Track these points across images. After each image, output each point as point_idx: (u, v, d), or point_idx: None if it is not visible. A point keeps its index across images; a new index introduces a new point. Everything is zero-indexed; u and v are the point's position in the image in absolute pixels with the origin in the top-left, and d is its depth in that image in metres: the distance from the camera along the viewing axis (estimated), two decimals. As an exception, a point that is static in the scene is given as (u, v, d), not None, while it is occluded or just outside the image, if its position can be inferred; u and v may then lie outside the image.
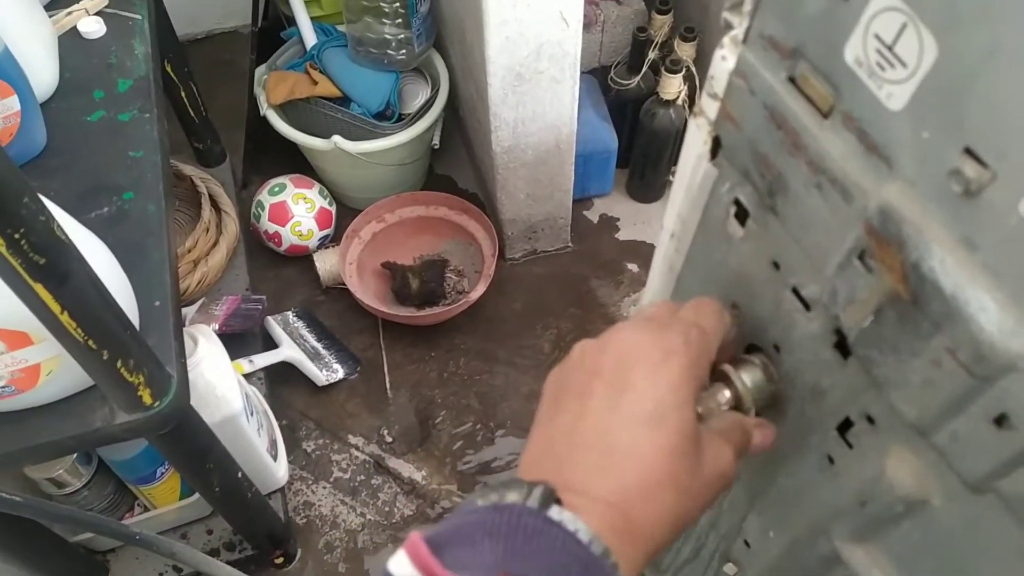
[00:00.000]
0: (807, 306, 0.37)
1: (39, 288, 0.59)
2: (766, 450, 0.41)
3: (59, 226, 0.59)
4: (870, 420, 0.35)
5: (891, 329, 0.31)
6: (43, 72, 0.96)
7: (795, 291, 0.37)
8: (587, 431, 0.34)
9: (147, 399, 0.72)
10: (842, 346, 0.35)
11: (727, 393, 0.40)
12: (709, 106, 0.40)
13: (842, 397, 0.37)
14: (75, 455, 1.00)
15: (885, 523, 0.37)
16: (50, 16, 1.04)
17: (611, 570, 0.29)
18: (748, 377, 0.41)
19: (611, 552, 0.30)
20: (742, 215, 0.40)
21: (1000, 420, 0.27)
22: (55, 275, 0.59)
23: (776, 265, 0.38)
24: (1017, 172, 0.24)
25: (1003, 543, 0.30)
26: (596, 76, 1.59)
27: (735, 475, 0.37)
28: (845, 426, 0.37)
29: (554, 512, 0.29)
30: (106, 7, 1.09)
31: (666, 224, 0.49)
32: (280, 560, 1.19)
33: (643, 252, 1.56)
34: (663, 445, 0.33)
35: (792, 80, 0.33)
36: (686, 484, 0.33)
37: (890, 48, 0.27)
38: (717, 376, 0.41)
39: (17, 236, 0.54)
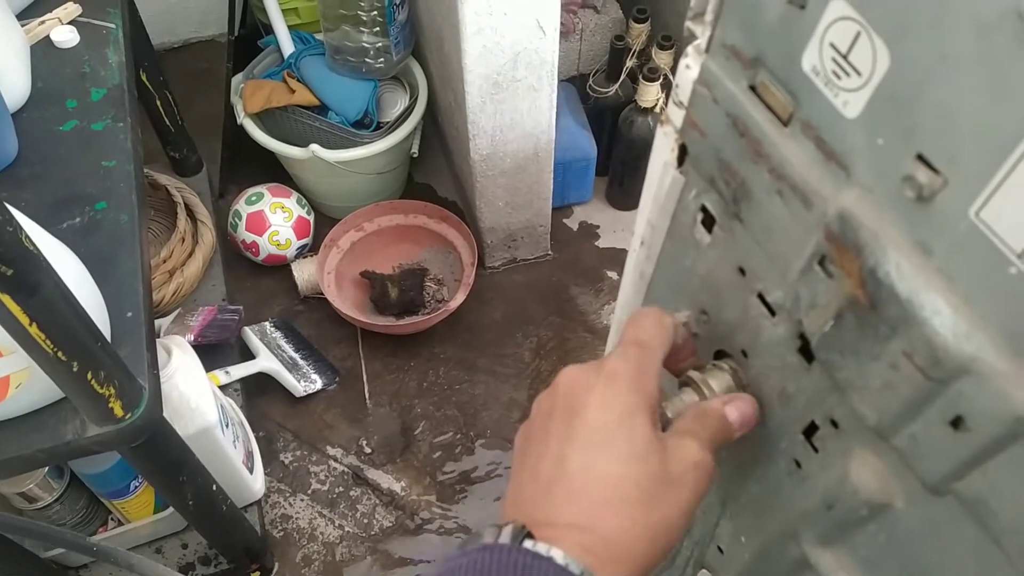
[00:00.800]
0: (772, 311, 0.37)
1: (7, 299, 0.58)
2: (751, 427, 0.40)
3: (28, 236, 0.59)
4: (834, 424, 0.36)
5: (851, 333, 0.31)
6: (15, 81, 0.95)
7: (760, 297, 0.38)
8: (548, 467, 0.34)
9: (118, 411, 0.71)
10: (806, 351, 0.35)
11: (694, 397, 0.41)
12: (675, 114, 0.40)
13: (807, 401, 0.37)
14: (46, 469, 0.99)
15: (851, 526, 0.37)
16: (22, 25, 1.03)
17: None
18: (714, 382, 0.41)
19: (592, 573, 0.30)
20: (709, 222, 0.40)
21: (956, 422, 0.28)
22: (24, 286, 0.59)
23: (742, 271, 0.39)
24: (967, 178, 0.25)
25: (963, 544, 0.31)
26: (575, 84, 1.60)
27: (709, 467, 0.36)
28: (811, 430, 0.38)
29: (529, 544, 0.30)
30: (79, 16, 1.08)
31: (637, 231, 0.49)
32: (257, 574, 1.18)
33: (623, 259, 1.56)
34: (617, 457, 0.33)
35: (753, 89, 0.33)
36: (652, 490, 0.33)
37: (845, 57, 0.28)
38: (684, 383, 0.41)
39: (-17, 247, 0.53)
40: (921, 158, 0.26)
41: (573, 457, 0.34)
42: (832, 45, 0.28)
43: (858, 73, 0.28)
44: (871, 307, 0.29)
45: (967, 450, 0.28)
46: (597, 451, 0.34)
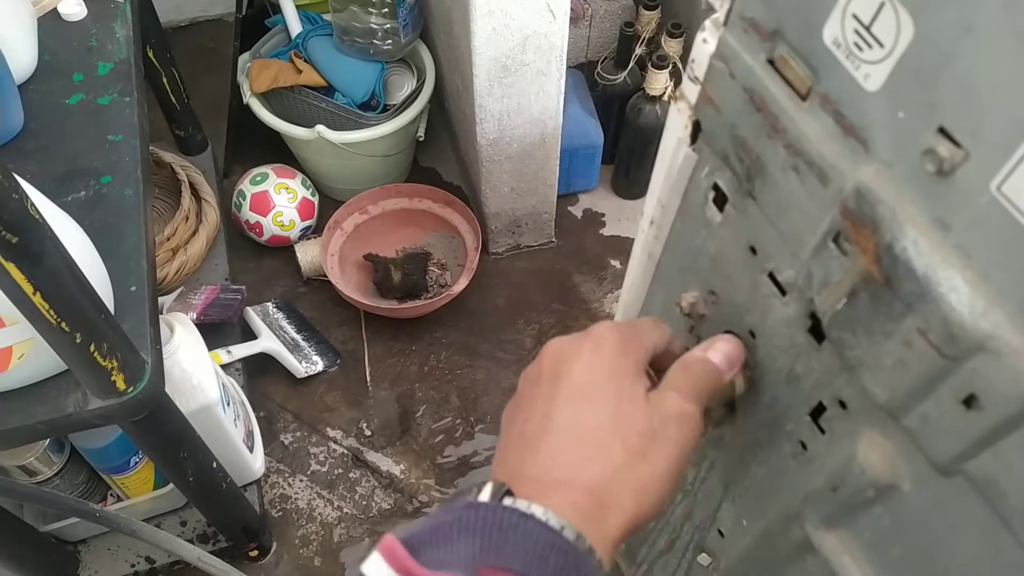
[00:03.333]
0: (783, 291, 0.37)
1: (11, 268, 0.58)
2: (740, 363, 0.40)
3: (33, 205, 0.59)
4: (842, 405, 0.35)
5: (864, 311, 0.31)
6: (22, 53, 0.95)
7: (771, 276, 0.37)
8: (534, 426, 0.35)
9: (120, 384, 0.71)
10: (816, 331, 0.35)
11: None
12: (690, 90, 0.40)
13: (815, 382, 0.37)
14: (47, 442, 0.99)
15: (856, 508, 0.37)
16: (29, -3, 1.02)
17: (587, 553, 0.30)
18: None
19: (584, 536, 0.30)
20: (720, 200, 0.40)
21: (969, 401, 0.27)
22: (28, 255, 0.58)
23: (753, 250, 0.38)
24: (990, 151, 0.24)
25: (971, 525, 0.31)
26: (583, 71, 1.59)
27: (694, 418, 0.35)
28: (818, 412, 0.38)
29: (519, 504, 0.30)
30: (87, -11, 1.07)
31: (646, 211, 0.49)
32: (255, 553, 1.18)
33: (627, 248, 1.56)
34: (601, 412, 0.34)
35: (771, 62, 0.33)
36: (637, 444, 0.33)
37: (867, 28, 0.27)
38: None
39: (-12, 214, 0.53)
40: (943, 131, 0.26)
41: (559, 414, 0.34)
42: (855, 16, 0.28)
43: (880, 45, 0.27)
44: (886, 284, 0.29)
45: (979, 429, 0.28)
46: (582, 407, 0.34)
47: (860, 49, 0.28)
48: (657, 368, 0.39)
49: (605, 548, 0.31)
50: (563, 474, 0.33)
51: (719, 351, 0.39)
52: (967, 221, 0.26)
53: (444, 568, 0.27)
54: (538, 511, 0.30)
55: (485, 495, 0.31)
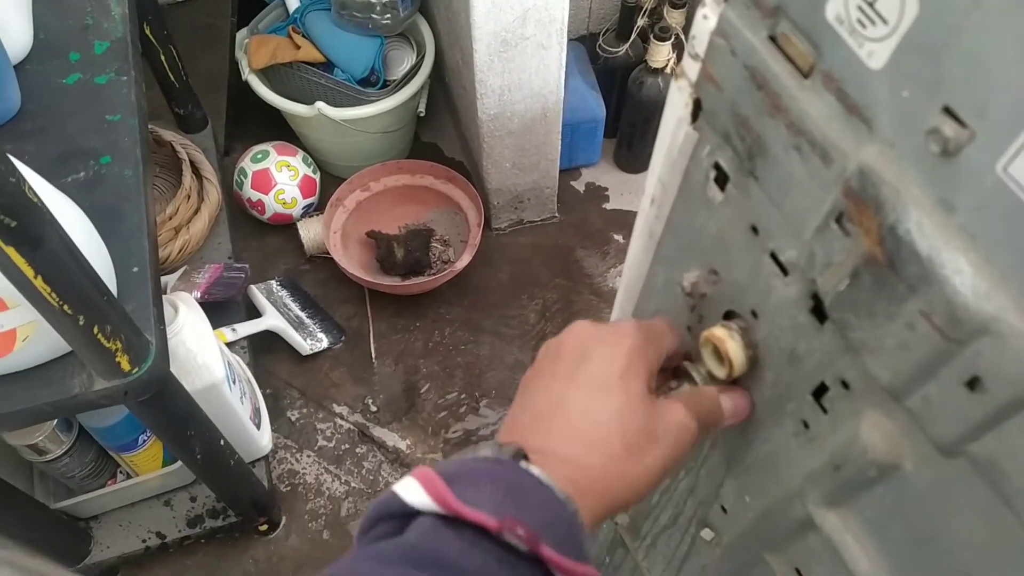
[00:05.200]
0: (785, 271, 0.37)
1: (11, 252, 0.57)
2: (742, 418, 0.43)
3: (31, 188, 0.58)
4: (845, 385, 0.35)
5: (867, 292, 0.30)
6: (17, 33, 0.94)
7: (773, 256, 0.37)
8: (548, 402, 0.38)
9: (125, 365, 0.71)
10: (818, 311, 0.35)
11: (686, 387, 0.43)
12: (690, 68, 0.39)
13: (818, 362, 0.37)
14: (55, 422, 1.00)
15: (858, 487, 0.37)
16: (23, -26, 1.01)
17: (582, 527, 0.32)
18: (709, 365, 0.43)
19: (580, 512, 0.33)
20: (722, 179, 0.40)
21: (972, 383, 0.27)
22: (28, 238, 0.58)
23: (755, 230, 0.38)
24: (995, 131, 0.24)
25: (974, 506, 0.31)
26: (584, 44, 1.57)
27: (692, 431, 0.38)
28: (820, 391, 0.37)
29: (533, 470, 0.33)
30: (81, -34, 1.06)
31: (647, 189, 0.48)
32: (264, 527, 1.20)
33: (630, 222, 1.55)
34: (611, 407, 0.37)
35: (773, 39, 0.32)
36: (636, 441, 0.36)
37: (871, 4, 0.27)
38: (676, 374, 0.44)
39: (-14, 198, 0.53)
40: (948, 111, 0.25)
41: (573, 399, 0.37)
42: (858, -8, 0.27)
43: (884, 21, 0.27)
44: (889, 266, 0.29)
45: (982, 412, 0.27)
46: (595, 398, 0.37)
47: (863, 26, 0.27)
48: (662, 368, 0.42)
49: (589, 521, 0.34)
50: (568, 454, 0.35)
51: (732, 399, 0.42)
52: (972, 203, 0.26)
53: (476, 506, 0.30)
54: (549, 482, 0.32)
55: (506, 454, 0.33)
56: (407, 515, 0.31)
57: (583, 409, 0.37)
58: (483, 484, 0.31)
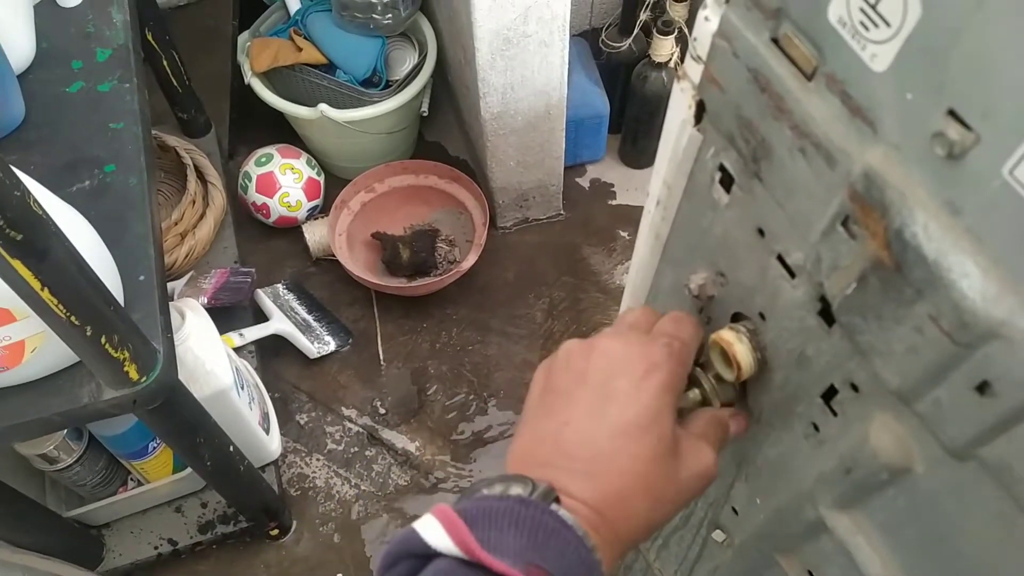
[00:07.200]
0: (792, 273, 0.36)
1: (18, 264, 0.58)
2: (740, 437, 0.44)
3: (36, 201, 0.58)
4: (854, 388, 0.35)
5: (874, 296, 0.30)
6: (19, 42, 0.94)
7: (780, 258, 0.37)
8: (572, 438, 0.36)
9: (133, 375, 0.72)
10: (826, 314, 0.35)
11: (696, 393, 0.43)
12: (693, 69, 0.39)
13: (827, 365, 0.36)
14: (66, 431, 1.00)
15: (869, 490, 0.37)
16: (24, -16, 1.01)
17: (600, 568, 0.32)
18: (714, 377, 0.43)
19: (602, 562, 0.32)
20: (727, 181, 0.39)
21: (982, 387, 0.27)
22: (34, 251, 0.58)
23: (761, 232, 0.38)
24: (1001, 134, 0.24)
25: (985, 509, 0.30)
26: (587, 39, 1.56)
27: (714, 475, 0.38)
28: (830, 394, 0.37)
29: (563, 514, 0.32)
30: (82, -26, 1.06)
31: (652, 191, 0.48)
32: (275, 532, 1.20)
33: (636, 218, 1.55)
34: (641, 455, 0.35)
35: (775, 41, 0.32)
36: (661, 490, 0.36)
37: (873, 7, 0.26)
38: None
39: (-9, 212, 0.53)
40: (953, 114, 0.25)
41: (602, 442, 0.35)
42: (861, -6, 0.27)
43: (887, 24, 0.26)
44: (896, 269, 0.29)
45: (993, 416, 0.27)
46: (626, 443, 0.35)
47: (866, 28, 0.27)
48: None
49: (606, 569, 0.33)
50: (592, 501, 0.34)
51: (736, 424, 0.43)
52: (979, 205, 0.25)
53: (497, 553, 0.29)
54: (574, 523, 0.31)
55: (538, 496, 0.32)
56: (428, 556, 0.30)
57: (612, 455, 0.35)
58: (507, 528, 0.30)
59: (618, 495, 0.34)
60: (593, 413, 0.36)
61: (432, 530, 0.30)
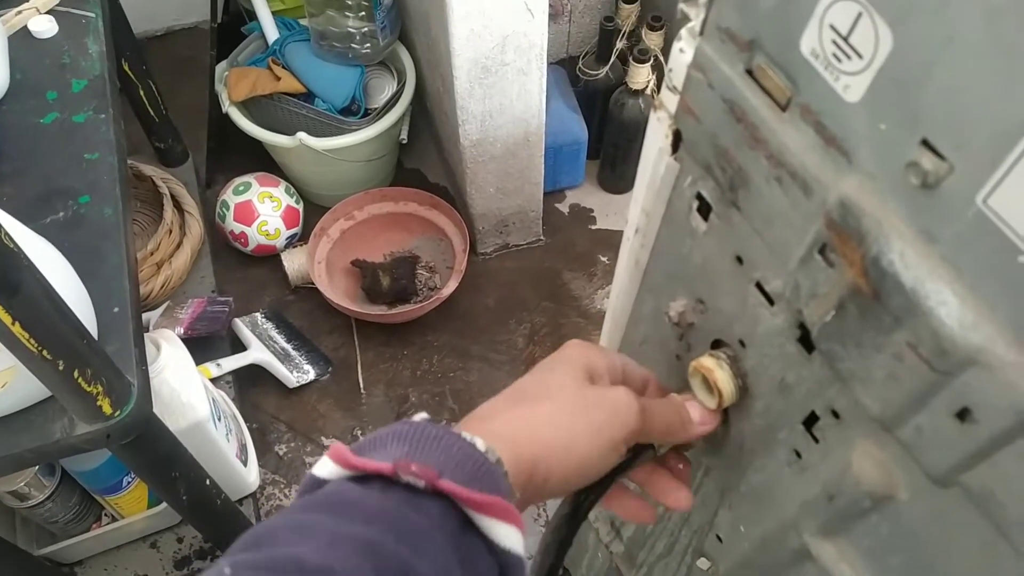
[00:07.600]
0: (771, 301, 0.36)
1: (-12, 299, 0.56)
2: (710, 424, 0.43)
3: (7, 234, 0.57)
4: (835, 415, 0.35)
5: (853, 324, 0.30)
6: (-8, 73, 0.93)
7: (759, 286, 0.37)
8: (508, 390, 0.39)
9: (107, 409, 0.70)
10: (806, 341, 0.35)
11: None
12: (669, 100, 0.39)
13: (807, 391, 0.36)
14: (37, 467, 0.98)
15: (853, 517, 0.37)
16: (-2, 15, 1.00)
17: (503, 477, 0.32)
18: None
19: (503, 463, 0.33)
20: (705, 209, 0.40)
21: (962, 414, 0.27)
22: (5, 286, 0.57)
23: (740, 260, 0.38)
24: (975, 164, 0.24)
25: (969, 536, 0.30)
26: (564, 67, 1.58)
27: (631, 403, 0.38)
28: (811, 420, 0.37)
29: (451, 428, 0.33)
30: (58, 5, 1.05)
31: (631, 219, 0.48)
32: (254, 565, 1.18)
33: (616, 243, 1.56)
34: (550, 382, 0.39)
35: (750, 72, 0.32)
36: (569, 403, 0.37)
37: (845, 39, 0.27)
38: None
39: (-40, 246, 0.52)
40: (926, 143, 0.25)
41: (525, 381, 0.40)
42: (832, 27, 0.27)
43: (859, 56, 0.27)
44: (874, 297, 0.29)
45: (974, 442, 0.27)
46: (540, 376, 0.40)
47: (839, 60, 0.27)
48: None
49: (526, 477, 0.34)
50: (502, 425, 0.36)
51: (697, 408, 0.43)
52: (954, 234, 0.26)
53: (373, 458, 0.31)
54: (457, 430, 0.33)
55: (420, 417, 0.34)
56: (320, 486, 0.32)
57: (527, 386, 0.39)
58: (389, 443, 0.32)
59: (528, 417, 0.36)
60: (530, 375, 0.40)
61: (323, 465, 0.32)
